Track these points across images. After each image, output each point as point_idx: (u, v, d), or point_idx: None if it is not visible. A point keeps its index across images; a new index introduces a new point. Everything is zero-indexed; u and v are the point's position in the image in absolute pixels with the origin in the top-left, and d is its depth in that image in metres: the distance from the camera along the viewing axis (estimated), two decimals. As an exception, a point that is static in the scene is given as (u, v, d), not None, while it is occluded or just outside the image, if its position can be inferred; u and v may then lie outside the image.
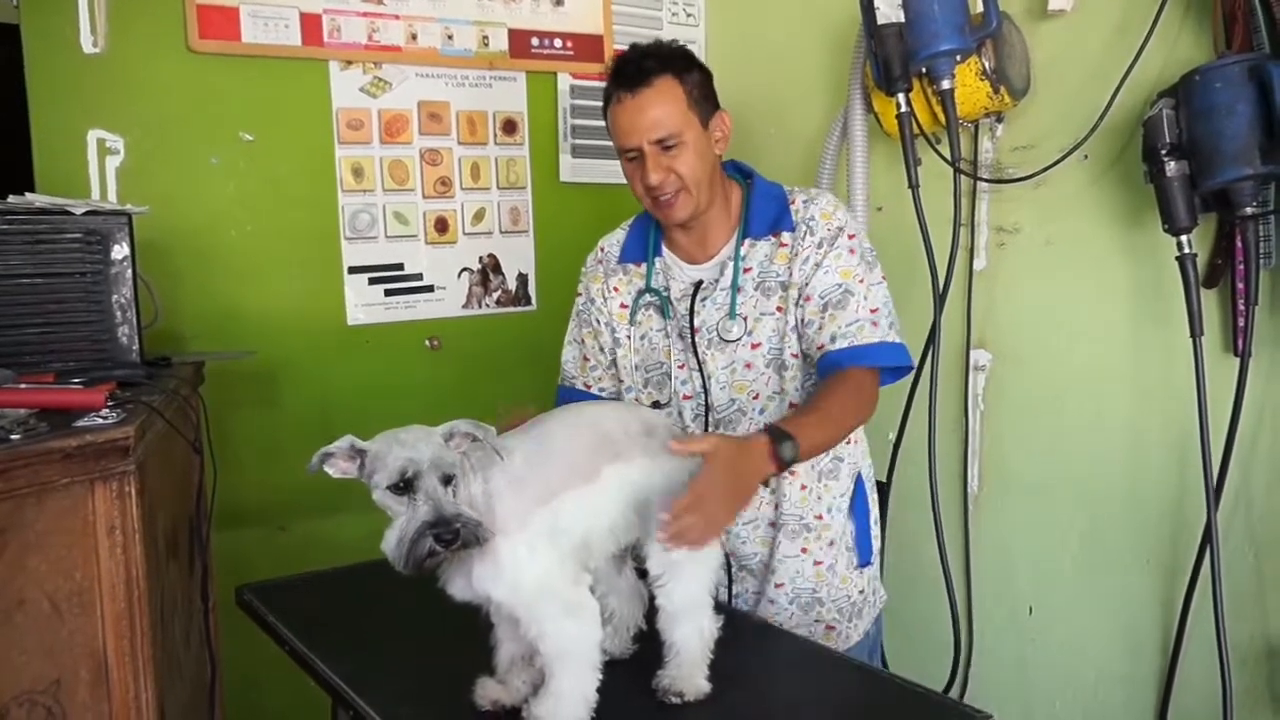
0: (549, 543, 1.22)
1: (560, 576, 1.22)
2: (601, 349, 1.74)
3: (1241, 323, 1.72)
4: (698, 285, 1.63)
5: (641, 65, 1.54)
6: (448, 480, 1.14)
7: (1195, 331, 1.74)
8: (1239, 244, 1.70)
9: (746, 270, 1.60)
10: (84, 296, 1.62)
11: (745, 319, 1.60)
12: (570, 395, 1.80)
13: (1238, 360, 1.73)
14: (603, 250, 1.78)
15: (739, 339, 1.60)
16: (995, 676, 2.22)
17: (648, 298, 1.69)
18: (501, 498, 1.21)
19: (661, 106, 1.52)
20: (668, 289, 1.67)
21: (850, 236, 1.58)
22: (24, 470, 1.22)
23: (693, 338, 1.63)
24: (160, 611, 1.47)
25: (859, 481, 1.70)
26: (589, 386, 1.79)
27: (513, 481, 1.23)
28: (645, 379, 1.70)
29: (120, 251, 1.64)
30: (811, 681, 1.41)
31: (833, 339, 1.54)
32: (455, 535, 1.11)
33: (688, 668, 1.31)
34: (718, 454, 1.28)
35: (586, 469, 1.29)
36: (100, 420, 1.34)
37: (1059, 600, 2.12)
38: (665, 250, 1.69)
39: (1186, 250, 1.72)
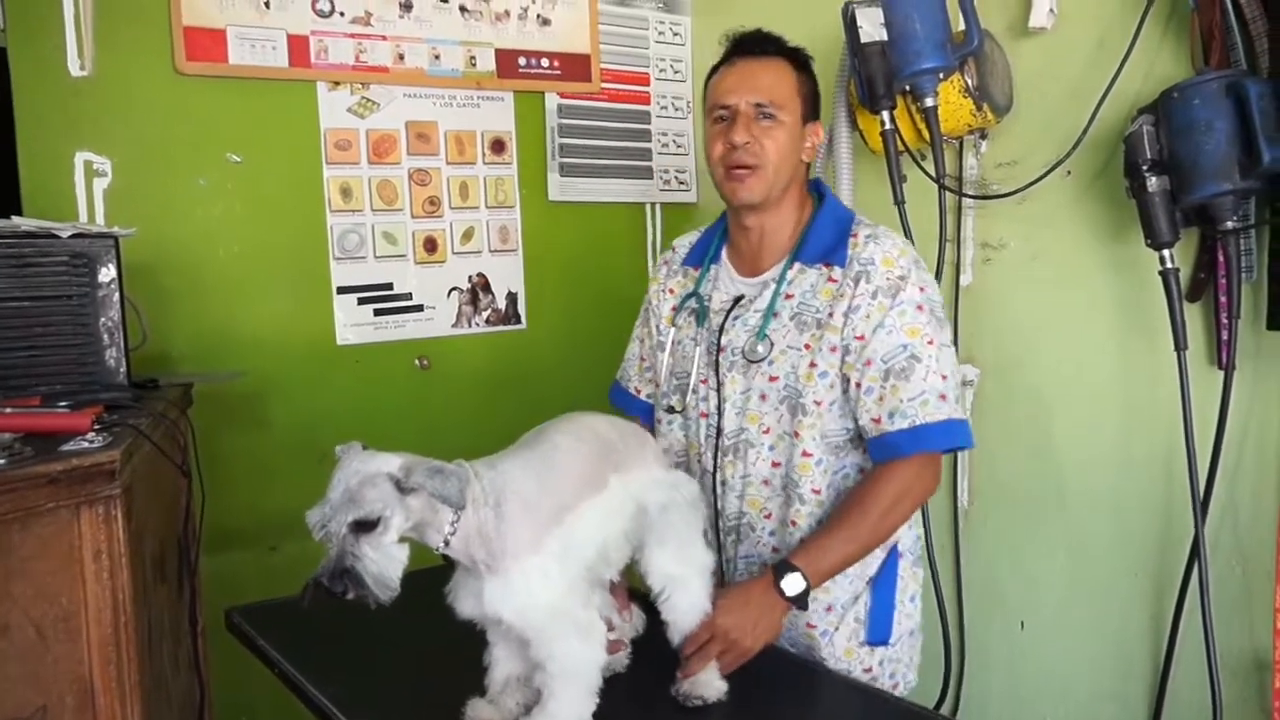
0: (561, 565, 1.22)
1: (572, 598, 1.22)
2: (653, 351, 1.73)
3: (1225, 336, 1.73)
4: (737, 300, 1.59)
5: (767, 40, 1.57)
6: (365, 526, 1.10)
7: (1179, 345, 1.76)
8: (1221, 258, 1.72)
9: (788, 296, 1.53)
10: (70, 319, 1.62)
11: (773, 345, 1.52)
12: (621, 395, 1.81)
13: (1222, 373, 1.75)
14: (674, 250, 1.76)
15: (762, 359, 1.52)
16: (987, 693, 2.21)
17: (691, 303, 1.66)
18: (513, 522, 1.20)
19: (773, 77, 1.54)
20: (710, 298, 1.63)
21: (921, 289, 1.46)
22: (9, 495, 1.21)
23: (717, 355, 1.59)
24: (148, 636, 1.46)
25: (893, 553, 1.57)
26: (638, 391, 1.78)
27: (526, 504, 1.22)
28: (676, 385, 1.66)
29: (107, 274, 1.64)
30: (806, 700, 1.41)
31: (892, 415, 1.43)
32: (345, 590, 1.09)
33: (703, 673, 1.34)
34: (715, 630, 1.35)
35: (596, 479, 1.30)
36: (86, 444, 1.33)
37: (1049, 615, 2.12)
38: (724, 256, 1.66)
39: (1169, 265, 1.74)
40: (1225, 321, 1.73)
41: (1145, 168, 1.70)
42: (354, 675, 1.43)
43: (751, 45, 1.57)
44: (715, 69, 1.60)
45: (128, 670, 1.34)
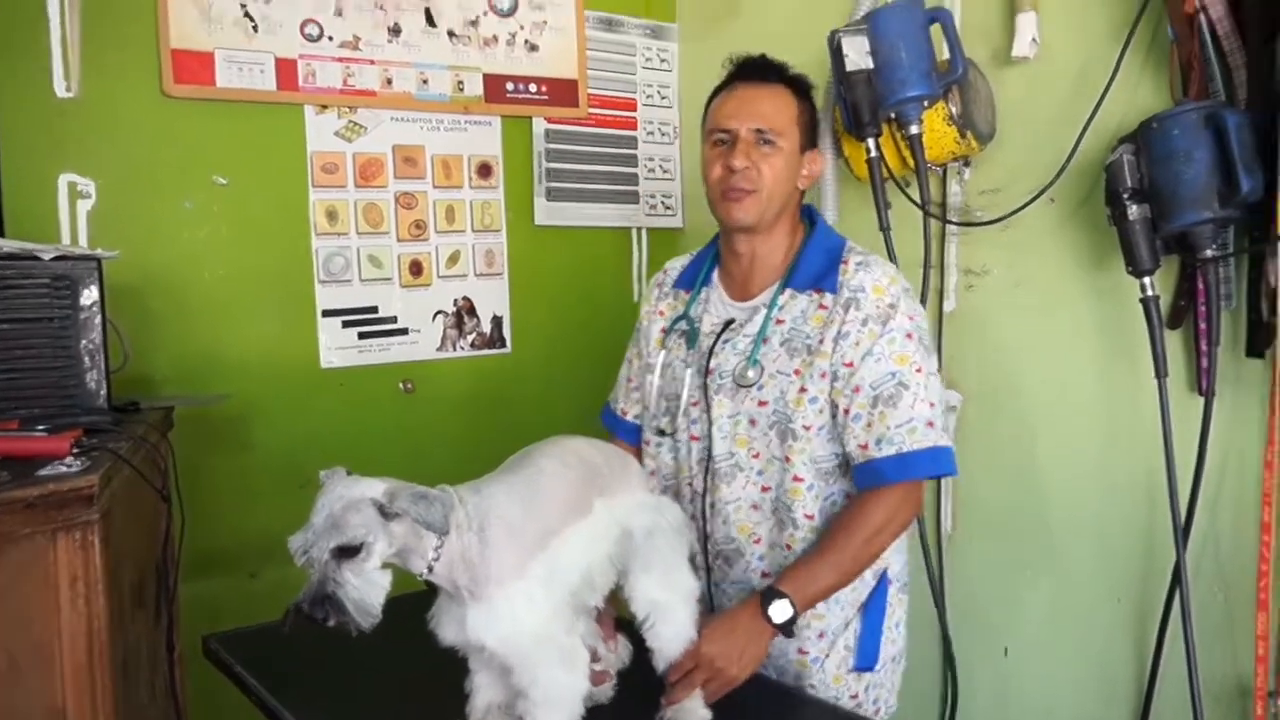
0: (546, 591, 1.21)
1: (556, 624, 1.22)
2: (642, 373, 1.73)
3: (1205, 363, 1.74)
4: (727, 324, 1.60)
5: (770, 67, 1.58)
6: (347, 551, 1.09)
7: (1160, 372, 1.77)
8: (1200, 285, 1.73)
9: (779, 322, 1.54)
10: (51, 342, 1.60)
11: (763, 370, 1.53)
12: (610, 416, 1.82)
13: (1202, 400, 1.76)
14: (666, 272, 1.77)
15: (753, 385, 1.53)
16: (971, 718, 2.20)
17: (681, 325, 1.66)
18: (498, 548, 1.20)
19: (774, 104, 1.55)
20: (700, 321, 1.64)
21: (910, 318, 1.49)
22: (-16, 521, 1.20)
23: (705, 378, 1.59)
24: (123, 665, 1.44)
25: (883, 580, 1.58)
26: (625, 413, 1.78)
27: (510, 529, 1.21)
28: (665, 407, 1.66)
29: (89, 296, 1.62)
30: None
31: (879, 442, 1.45)
32: (326, 617, 1.09)
33: (688, 701, 1.34)
34: (701, 658, 1.34)
35: (581, 503, 1.30)
36: (64, 468, 1.32)
37: (1033, 640, 2.11)
38: (715, 279, 1.67)
39: (1150, 292, 1.75)
40: (1205, 348, 1.74)
41: (1126, 196, 1.72)
42: (334, 703, 1.41)
43: (754, 71, 1.58)
44: (717, 92, 1.62)
45: (102, 699, 1.32)
